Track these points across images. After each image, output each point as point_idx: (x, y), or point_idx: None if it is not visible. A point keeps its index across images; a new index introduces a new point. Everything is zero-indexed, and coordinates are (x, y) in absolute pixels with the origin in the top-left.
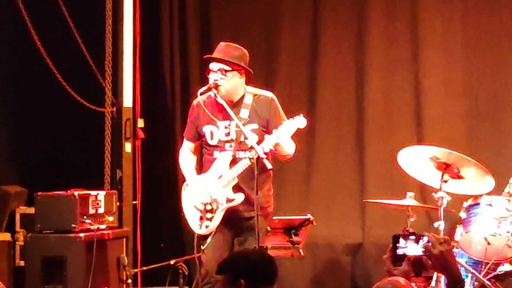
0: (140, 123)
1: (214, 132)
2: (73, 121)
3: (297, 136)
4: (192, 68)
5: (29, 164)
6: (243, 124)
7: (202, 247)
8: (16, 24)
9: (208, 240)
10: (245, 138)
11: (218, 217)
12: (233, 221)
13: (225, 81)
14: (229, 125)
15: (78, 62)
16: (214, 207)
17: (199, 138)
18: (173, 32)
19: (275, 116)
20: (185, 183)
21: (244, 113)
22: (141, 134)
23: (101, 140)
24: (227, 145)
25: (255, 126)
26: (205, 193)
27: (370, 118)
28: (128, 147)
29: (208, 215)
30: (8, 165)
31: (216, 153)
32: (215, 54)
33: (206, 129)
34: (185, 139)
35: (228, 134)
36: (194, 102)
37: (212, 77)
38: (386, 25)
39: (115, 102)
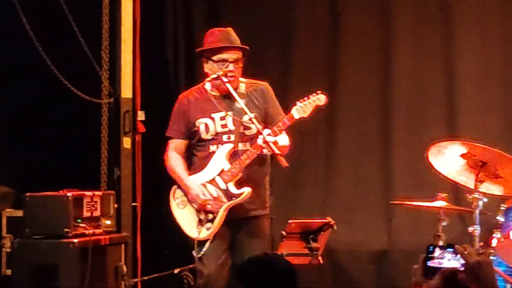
0: (141, 115)
1: (209, 125)
2: (66, 113)
3: (315, 129)
4: (198, 54)
5: (17, 161)
6: (241, 115)
7: (198, 255)
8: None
9: (206, 246)
10: (245, 128)
11: (221, 217)
12: (232, 221)
13: (239, 71)
14: (225, 116)
15: (71, 48)
16: (217, 206)
17: (189, 135)
18: (177, 14)
19: (273, 106)
20: (174, 187)
21: (240, 103)
22: (141, 128)
23: (97, 135)
24: (224, 137)
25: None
26: (205, 192)
27: (397, 109)
28: (127, 142)
29: (209, 216)
30: None
31: (212, 147)
32: (232, 43)
33: (200, 123)
34: (172, 139)
35: (225, 125)
36: (181, 96)
37: (227, 69)
38: (415, 4)
39: (112, 93)
